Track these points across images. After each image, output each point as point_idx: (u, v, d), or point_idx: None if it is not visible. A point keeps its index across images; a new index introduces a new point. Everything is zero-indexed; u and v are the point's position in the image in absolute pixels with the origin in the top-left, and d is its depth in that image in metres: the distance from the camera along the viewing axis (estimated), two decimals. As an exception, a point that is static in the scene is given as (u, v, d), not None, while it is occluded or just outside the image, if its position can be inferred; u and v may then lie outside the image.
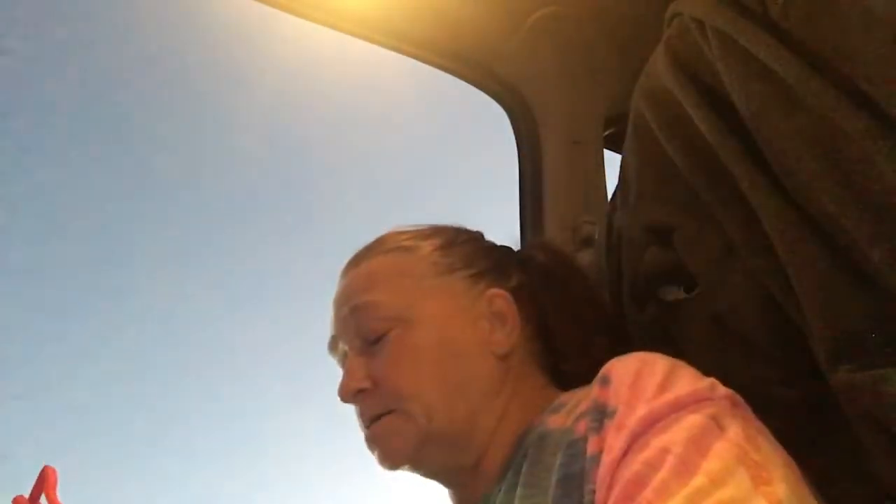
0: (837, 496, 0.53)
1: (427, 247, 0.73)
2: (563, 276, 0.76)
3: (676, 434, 0.48)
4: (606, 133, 1.32)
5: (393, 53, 1.20)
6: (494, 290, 0.70)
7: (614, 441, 0.50)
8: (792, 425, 0.54)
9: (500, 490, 0.62)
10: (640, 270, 0.75)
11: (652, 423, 0.49)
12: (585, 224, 1.16)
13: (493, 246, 0.78)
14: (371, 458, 0.68)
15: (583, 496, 0.50)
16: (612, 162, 1.26)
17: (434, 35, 1.21)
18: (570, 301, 0.74)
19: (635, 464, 0.47)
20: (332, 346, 0.73)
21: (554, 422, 0.61)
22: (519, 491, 0.58)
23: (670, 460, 0.46)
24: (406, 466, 0.66)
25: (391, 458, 0.65)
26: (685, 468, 0.45)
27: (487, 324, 0.68)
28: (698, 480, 0.44)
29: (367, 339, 0.67)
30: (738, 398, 0.52)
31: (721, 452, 0.46)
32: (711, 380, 0.53)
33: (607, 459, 0.50)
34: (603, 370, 0.57)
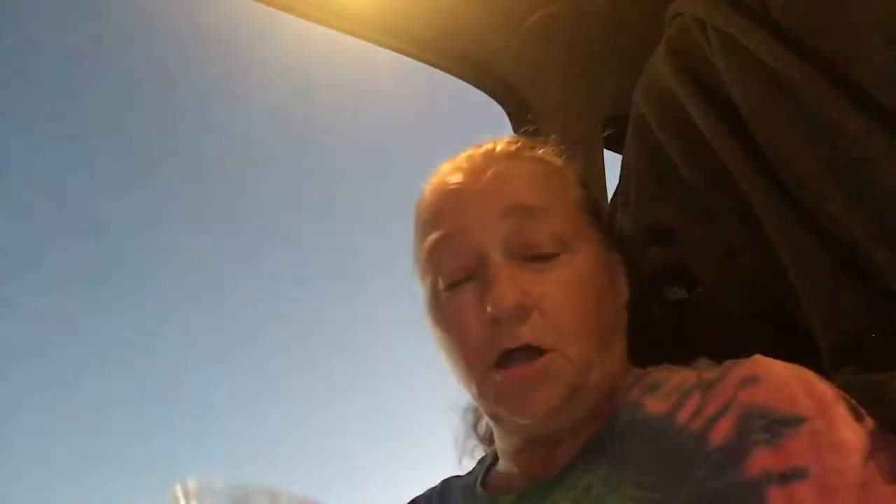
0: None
1: (573, 174, 0.64)
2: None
3: None
4: (606, 133, 1.32)
5: (393, 53, 1.20)
6: (619, 255, 0.65)
7: (836, 460, 0.44)
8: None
9: (585, 469, 0.54)
10: (641, 271, 0.75)
11: (876, 449, 0.45)
12: (585, 224, 1.16)
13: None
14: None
15: None
16: (612, 162, 1.26)
17: (434, 35, 1.21)
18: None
19: None
20: (450, 242, 0.58)
21: (653, 405, 0.54)
22: (628, 491, 0.50)
23: None
24: (540, 421, 0.55)
25: (537, 409, 0.54)
26: None
27: (618, 287, 0.63)
28: None
29: (525, 251, 0.56)
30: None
31: None
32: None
33: (836, 482, 0.43)
34: (740, 369, 0.51)
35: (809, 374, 0.49)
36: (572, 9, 1.21)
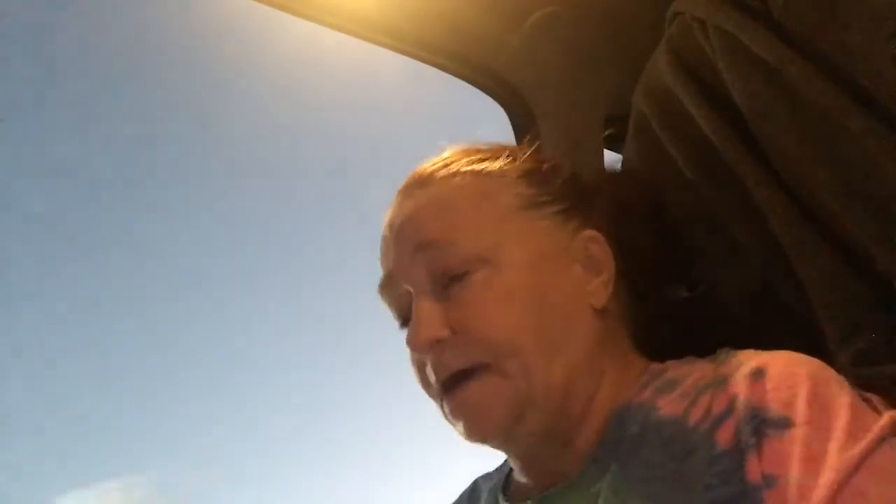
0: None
1: (511, 172, 0.61)
2: (650, 219, 0.66)
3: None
4: (606, 133, 1.32)
5: (393, 53, 1.20)
6: (589, 232, 0.60)
7: (806, 474, 0.40)
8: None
9: (594, 478, 0.51)
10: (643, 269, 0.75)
11: (858, 469, 0.40)
12: (586, 224, 1.16)
13: (576, 175, 0.66)
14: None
15: None
16: (612, 162, 1.26)
17: (434, 35, 1.21)
18: (659, 254, 0.64)
19: None
20: (387, 286, 0.60)
21: (667, 406, 0.51)
22: (637, 496, 0.48)
23: None
24: (496, 439, 0.54)
25: (484, 428, 0.53)
26: None
27: (582, 271, 0.58)
28: None
29: (441, 280, 0.55)
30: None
31: None
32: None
33: (799, 495, 0.40)
34: (751, 359, 0.48)
35: (825, 375, 0.46)
36: (572, 9, 1.21)
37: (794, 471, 0.41)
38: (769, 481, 0.41)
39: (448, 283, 0.55)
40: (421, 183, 0.61)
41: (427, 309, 0.55)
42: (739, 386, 0.46)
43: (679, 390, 0.52)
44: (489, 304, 0.54)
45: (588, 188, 0.65)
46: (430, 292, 0.56)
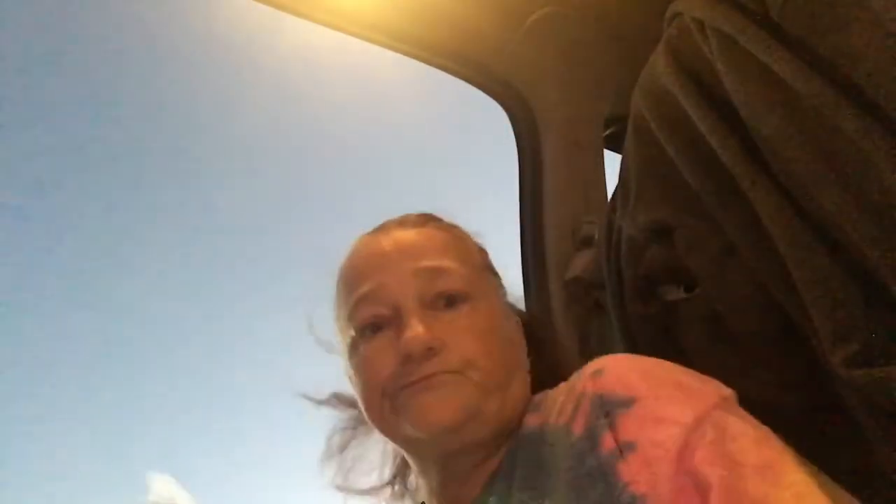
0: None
1: (472, 242, 0.75)
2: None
3: (742, 441, 0.48)
4: (606, 133, 1.32)
5: (393, 53, 1.20)
6: (515, 317, 0.74)
7: (657, 433, 0.49)
8: (791, 427, 0.54)
9: (490, 494, 0.61)
10: (640, 270, 0.75)
11: (700, 423, 0.49)
12: (585, 224, 1.16)
13: None
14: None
15: (606, 495, 0.49)
16: (612, 162, 1.27)
17: (434, 35, 1.21)
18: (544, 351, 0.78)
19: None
20: (376, 294, 0.66)
21: (532, 420, 0.63)
22: (516, 496, 0.57)
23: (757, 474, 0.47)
24: (446, 432, 0.61)
25: (439, 419, 0.60)
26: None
27: (517, 339, 0.71)
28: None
29: (435, 302, 0.65)
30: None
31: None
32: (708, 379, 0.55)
33: (655, 453, 0.49)
34: (592, 365, 0.58)
35: (651, 362, 0.56)
36: (572, 9, 1.21)
37: (647, 433, 0.50)
38: (629, 447, 0.50)
39: (440, 306, 0.65)
40: (415, 222, 0.71)
41: (425, 320, 0.63)
42: (585, 385, 0.56)
43: (545, 405, 0.63)
44: (471, 331, 0.64)
45: None
46: (421, 309, 0.64)
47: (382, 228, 0.72)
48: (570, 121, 1.27)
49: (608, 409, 0.53)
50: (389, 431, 0.65)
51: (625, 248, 0.78)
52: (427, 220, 0.73)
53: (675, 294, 0.72)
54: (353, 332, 0.67)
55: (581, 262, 1.10)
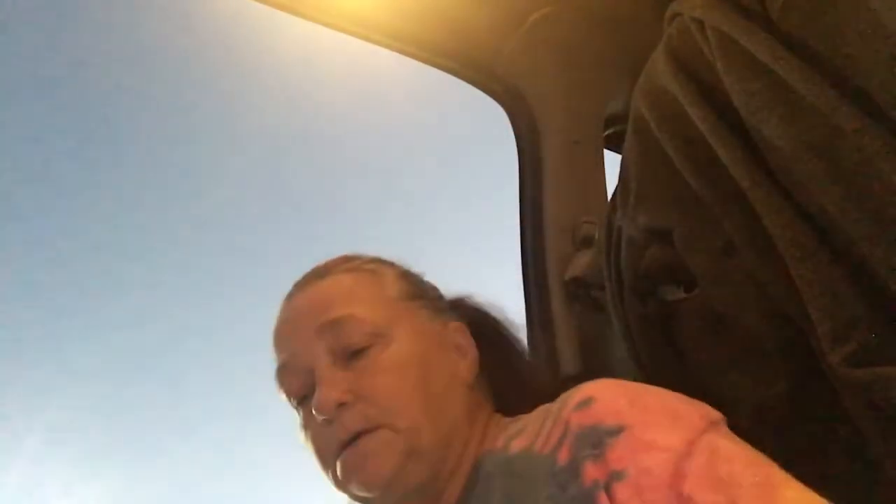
0: (836, 495, 0.53)
1: (390, 272, 0.73)
2: (489, 325, 0.79)
3: (735, 464, 0.48)
4: (606, 133, 1.32)
5: (393, 53, 1.20)
6: (455, 324, 0.73)
7: (646, 460, 0.49)
8: (790, 426, 0.54)
9: None
10: (640, 270, 0.75)
11: (691, 448, 0.49)
12: (585, 224, 1.16)
13: (432, 285, 0.79)
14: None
15: None
16: (612, 162, 1.26)
17: (434, 35, 1.21)
18: (499, 347, 0.77)
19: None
20: (287, 368, 0.68)
21: (517, 446, 0.61)
22: None
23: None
24: (382, 489, 0.62)
25: (375, 478, 0.61)
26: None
27: (454, 353, 0.70)
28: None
29: (344, 353, 0.65)
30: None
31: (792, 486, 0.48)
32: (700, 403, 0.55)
33: (646, 482, 0.48)
34: (579, 393, 0.57)
35: (639, 388, 0.56)
36: (572, 9, 1.21)
37: (637, 461, 0.49)
38: (619, 476, 0.50)
39: (350, 356, 0.64)
40: (316, 277, 0.71)
41: (332, 377, 0.63)
42: (571, 415, 0.56)
43: (527, 432, 0.62)
44: (387, 373, 0.63)
45: (449, 299, 0.79)
46: (333, 364, 0.64)
47: (292, 289, 0.72)
48: (570, 121, 1.26)
49: (596, 439, 0.52)
50: (347, 493, 0.65)
51: (625, 248, 0.78)
52: (332, 267, 0.72)
53: (674, 294, 0.72)
54: (289, 401, 0.69)
55: (581, 262, 1.10)
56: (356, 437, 0.61)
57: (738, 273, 0.63)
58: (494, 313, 0.81)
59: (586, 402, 0.56)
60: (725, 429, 0.53)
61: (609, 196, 0.92)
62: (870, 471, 0.54)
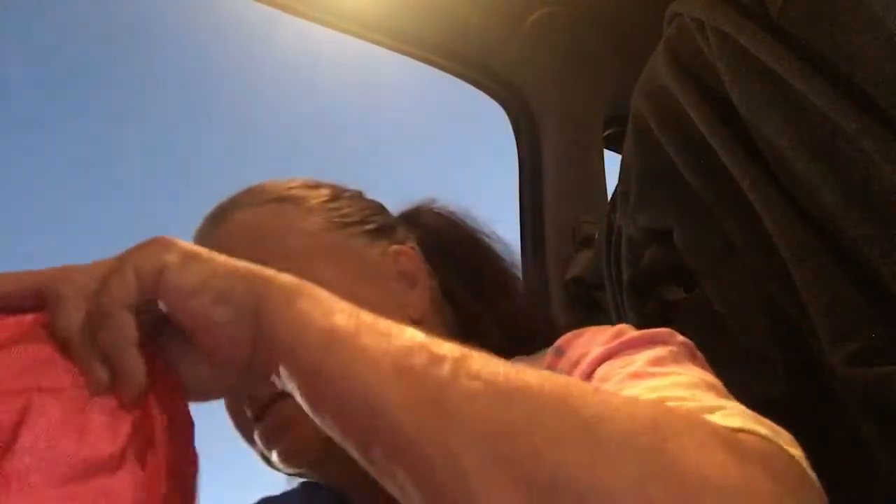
0: (836, 495, 0.53)
1: (314, 197, 0.61)
2: (455, 237, 0.67)
3: (637, 359, 0.43)
4: (606, 133, 1.32)
5: (393, 53, 1.20)
6: (398, 247, 0.61)
7: (588, 347, 0.48)
8: (789, 426, 0.54)
9: None
10: (640, 270, 0.75)
11: (609, 356, 0.45)
12: (585, 224, 1.16)
13: (376, 201, 0.67)
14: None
15: None
16: (612, 162, 1.26)
17: (434, 35, 1.21)
18: (468, 265, 0.66)
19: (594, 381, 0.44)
20: None
21: None
22: None
23: (631, 370, 0.42)
24: (308, 466, 0.52)
25: (294, 454, 0.51)
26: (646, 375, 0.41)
27: (397, 285, 0.59)
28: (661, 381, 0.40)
29: None
30: (695, 348, 0.48)
31: (685, 371, 0.42)
32: (668, 329, 0.49)
33: (576, 356, 0.48)
34: (559, 342, 0.52)
35: (602, 328, 0.51)
36: (572, 9, 1.21)
37: (581, 347, 0.49)
38: (559, 351, 0.50)
39: None
40: (220, 218, 0.59)
41: None
42: (547, 361, 0.51)
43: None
44: None
45: (388, 212, 0.67)
46: None
47: (202, 221, 0.61)
48: (570, 121, 1.27)
49: (561, 345, 0.51)
50: (274, 468, 0.55)
51: (625, 248, 0.78)
52: (240, 200, 0.60)
53: (674, 294, 0.72)
54: None
55: (581, 262, 1.10)
56: (272, 402, 0.51)
57: (738, 273, 0.63)
58: (464, 221, 0.68)
59: (558, 351, 0.51)
60: (693, 350, 0.47)
61: (609, 196, 0.92)
62: (870, 471, 0.54)
